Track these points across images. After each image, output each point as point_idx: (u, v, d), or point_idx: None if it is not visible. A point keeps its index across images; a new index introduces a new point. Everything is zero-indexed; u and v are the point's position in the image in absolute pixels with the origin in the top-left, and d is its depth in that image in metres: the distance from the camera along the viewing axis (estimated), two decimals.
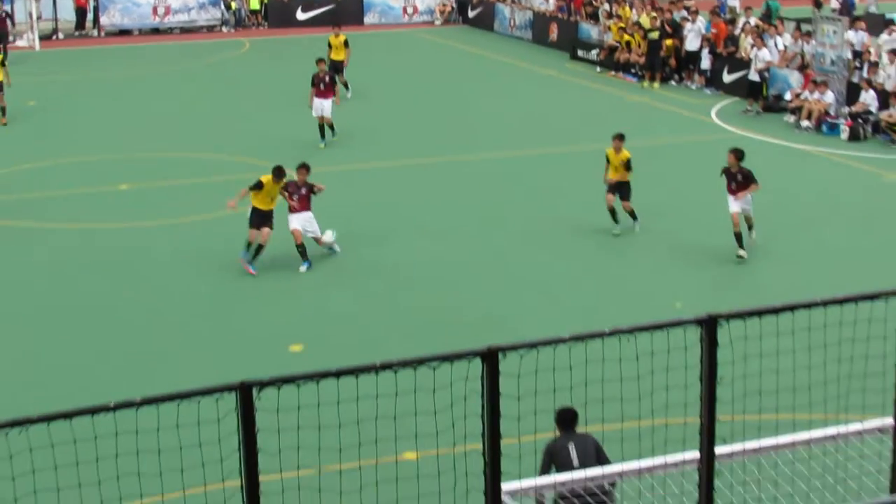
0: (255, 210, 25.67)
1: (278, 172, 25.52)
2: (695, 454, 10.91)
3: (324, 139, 35.70)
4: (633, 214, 28.10)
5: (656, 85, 44.62)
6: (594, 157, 34.40)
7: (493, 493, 10.43)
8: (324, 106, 35.43)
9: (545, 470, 14.68)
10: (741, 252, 26.13)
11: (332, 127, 35.93)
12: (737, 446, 11.96)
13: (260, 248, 25.60)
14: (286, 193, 25.89)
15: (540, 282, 25.00)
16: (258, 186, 25.54)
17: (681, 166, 34.10)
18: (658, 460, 12.23)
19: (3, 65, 39.08)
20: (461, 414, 10.74)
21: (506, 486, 10.73)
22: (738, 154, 26.42)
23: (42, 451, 10.51)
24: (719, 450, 10.87)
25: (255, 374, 10.00)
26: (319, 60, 36.54)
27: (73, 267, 26.00)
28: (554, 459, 14.66)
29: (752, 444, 12.16)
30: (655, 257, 26.43)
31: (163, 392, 9.78)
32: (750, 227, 26.83)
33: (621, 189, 27.84)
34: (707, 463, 10.72)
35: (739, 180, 26.17)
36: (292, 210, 25.99)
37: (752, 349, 11.83)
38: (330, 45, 42.45)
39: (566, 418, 14.93)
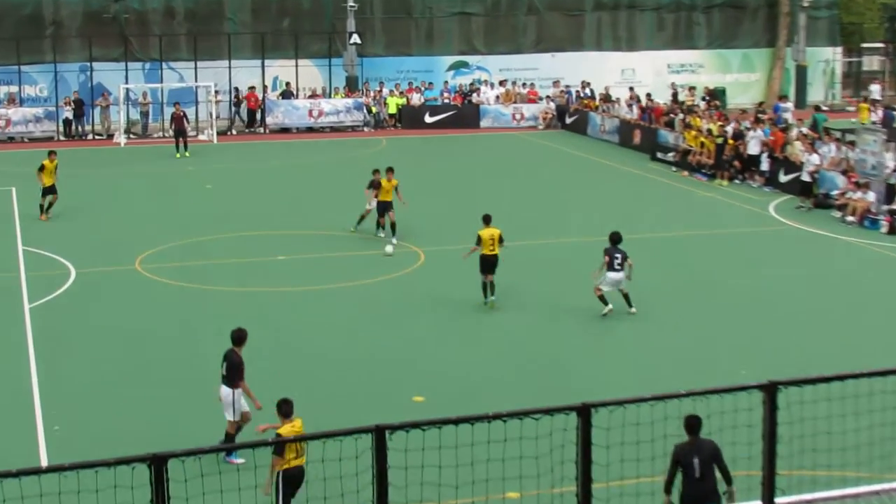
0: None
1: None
2: None
3: (381, 229, 33.99)
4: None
5: (725, 183, 44.16)
6: (670, 244, 34.20)
7: None
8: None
9: (672, 469, 14.23)
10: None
11: (393, 225, 33.84)
12: (793, 498, 11.65)
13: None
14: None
15: (626, 351, 24.66)
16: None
17: (743, 252, 33.62)
18: None
19: (41, 170, 36.57)
20: (559, 459, 10.57)
21: None
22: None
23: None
24: (778, 500, 10.58)
25: (385, 420, 9.91)
26: (375, 171, 34.25)
27: (232, 322, 26.03)
28: (680, 461, 14.15)
29: (806, 497, 11.84)
30: (722, 331, 25.97)
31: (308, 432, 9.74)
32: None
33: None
34: None
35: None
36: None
37: (807, 412, 11.55)
38: (379, 186, 33.68)
39: (692, 424, 14.35)
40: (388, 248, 31.76)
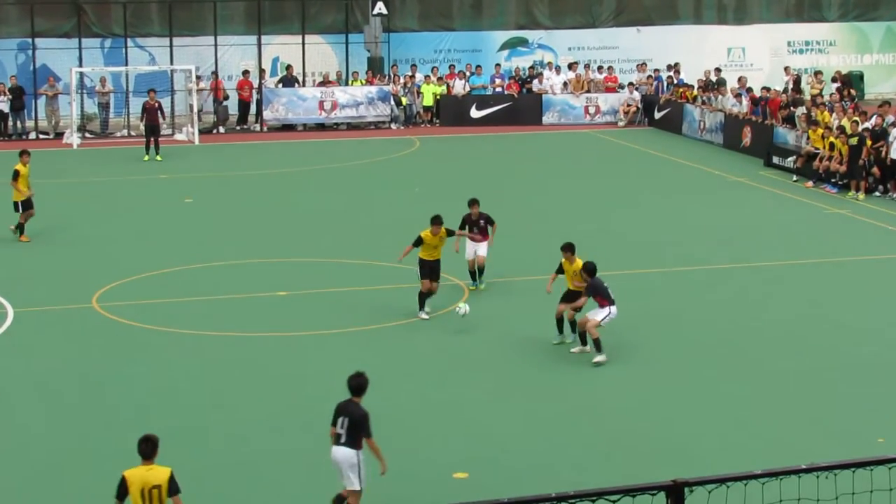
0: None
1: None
2: None
3: (475, 282, 33.14)
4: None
5: (861, 196, 43.93)
6: (788, 274, 34.10)
7: None
8: (477, 248, 33.07)
9: None
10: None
11: (482, 270, 33.22)
12: None
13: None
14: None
15: (730, 411, 24.62)
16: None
17: (883, 287, 33.50)
18: None
19: (15, 178, 36.80)
20: None
21: None
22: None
23: None
24: None
25: (419, 500, 10.00)
26: (473, 202, 33.17)
27: (215, 375, 26.22)
28: None
29: None
30: (854, 388, 25.88)
31: None
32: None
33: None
34: None
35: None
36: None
37: None
38: (422, 241, 30.38)
39: None
40: (462, 308, 29.44)
